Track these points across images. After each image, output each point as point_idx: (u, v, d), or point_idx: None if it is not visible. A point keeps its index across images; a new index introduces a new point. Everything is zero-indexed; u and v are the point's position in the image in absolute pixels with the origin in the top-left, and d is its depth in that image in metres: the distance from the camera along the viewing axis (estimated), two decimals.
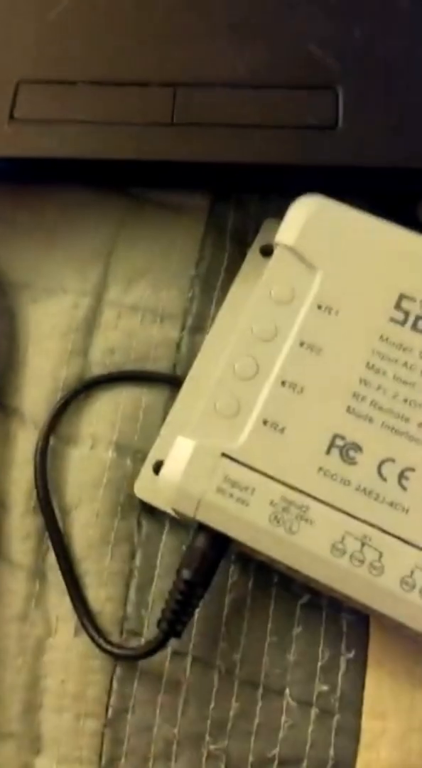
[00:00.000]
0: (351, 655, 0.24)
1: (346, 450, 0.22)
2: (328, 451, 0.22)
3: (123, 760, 0.24)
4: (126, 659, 0.24)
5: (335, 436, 0.22)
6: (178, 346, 0.27)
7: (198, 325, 0.27)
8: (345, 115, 0.26)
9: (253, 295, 0.24)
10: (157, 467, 0.26)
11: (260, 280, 0.24)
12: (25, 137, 0.26)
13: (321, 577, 0.21)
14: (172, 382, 0.27)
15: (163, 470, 0.23)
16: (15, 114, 0.26)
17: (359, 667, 0.24)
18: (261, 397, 0.23)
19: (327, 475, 0.22)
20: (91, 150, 0.26)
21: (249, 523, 0.22)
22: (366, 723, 0.23)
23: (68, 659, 0.24)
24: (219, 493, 0.22)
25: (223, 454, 0.22)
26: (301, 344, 0.23)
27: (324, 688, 0.23)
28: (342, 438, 0.22)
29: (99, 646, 0.24)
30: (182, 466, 0.22)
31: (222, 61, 0.27)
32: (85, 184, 0.29)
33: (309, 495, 0.22)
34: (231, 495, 0.22)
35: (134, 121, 0.26)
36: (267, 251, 0.27)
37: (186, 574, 0.23)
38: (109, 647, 0.24)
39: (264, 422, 0.22)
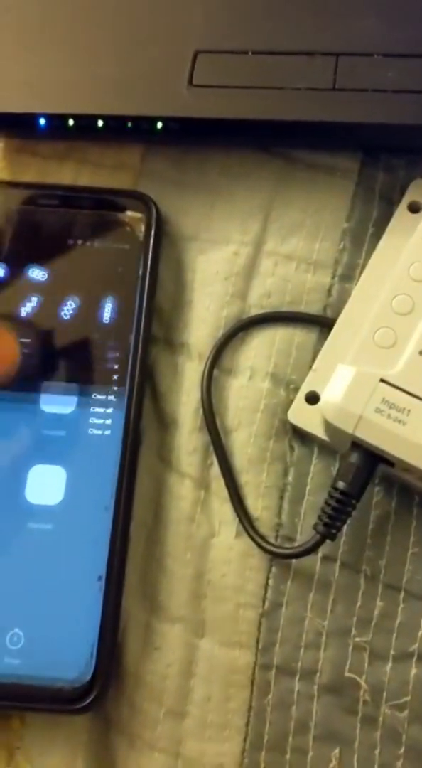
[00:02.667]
0: None
1: None
2: None
3: (277, 646, 0.27)
4: (285, 557, 0.27)
5: None
6: (329, 291, 0.30)
7: (348, 274, 0.30)
8: None
9: (410, 241, 0.26)
10: (309, 397, 0.29)
11: (417, 229, 0.26)
12: (203, 101, 0.29)
13: None
14: (322, 323, 0.30)
15: (326, 392, 0.26)
16: (194, 80, 0.30)
17: None
18: (418, 330, 0.25)
19: None
20: (260, 111, 0.29)
21: (405, 439, 0.24)
22: None
23: (229, 557, 0.28)
24: (377, 413, 0.25)
25: (382, 380, 0.25)
26: None
27: None
28: None
29: (259, 545, 0.27)
30: (344, 389, 0.25)
31: (378, 33, 0.30)
32: (244, 146, 0.32)
33: None
34: (389, 415, 0.25)
35: (299, 87, 0.29)
36: (414, 208, 0.30)
37: (341, 485, 0.26)
38: (269, 547, 0.27)
39: (421, 353, 0.25)
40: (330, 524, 0.26)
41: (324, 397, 0.26)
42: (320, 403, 0.27)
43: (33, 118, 0.30)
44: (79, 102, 0.30)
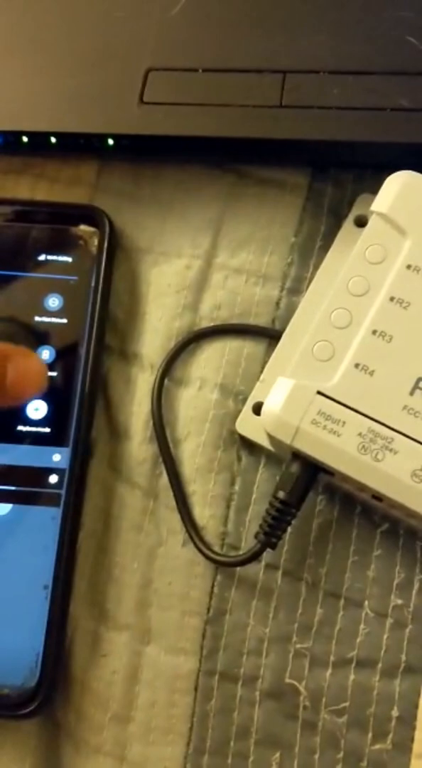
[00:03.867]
0: None
1: None
2: (412, 393, 0.25)
3: (221, 652, 0.27)
4: (227, 566, 0.27)
5: (419, 380, 0.25)
6: (278, 304, 0.31)
7: (295, 287, 0.31)
8: None
9: (350, 256, 0.27)
10: (256, 408, 0.29)
11: (357, 243, 0.27)
12: (153, 118, 0.30)
13: (402, 499, 0.25)
14: (271, 335, 0.30)
15: (266, 404, 0.26)
16: (144, 98, 0.30)
17: None
18: (354, 344, 0.26)
19: (411, 413, 0.25)
20: (209, 129, 0.30)
21: (340, 450, 0.25)
22: None
23: (176, 565, 0.28)
24: (313, 424, 0.25)
25: (319, 392, 0.26)
26: (391, 299, 0.26)
27: (399, 602, 0.27)
28: None
29: (204, 554, 0.28)
30: (282, 401, 0.26)
31: (326, 51, 0.30)
32: (198, 162, 0.33)
33: (393, 429, 0.25)
34: (324, 426, 0.25)
35: (248, 104, 0.30)
36: (361, 222, 0.30)
37: (281, 494, 0.26)
38: (212, 555, 0.27)
39: (356, 365, 0.26)
40: (270, 533, 0.26)
41: (264, 409, 0.27)
42: (261, 414, 0.27)
43: None
44: (32, 119, 0.31)
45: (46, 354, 0.29)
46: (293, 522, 0.26)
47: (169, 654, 0.28)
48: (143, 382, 0.30)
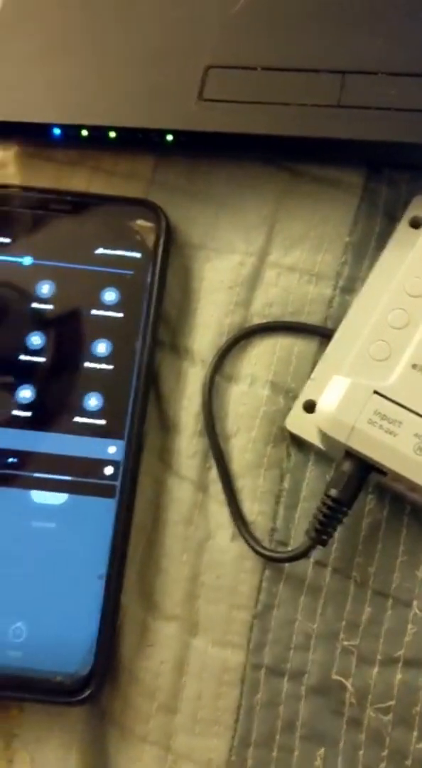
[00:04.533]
0: None
1: None
2: None
3: (268, 647, 0.28)
4: (278, 561, 0.28)
5: None
6: (330, 303, 0.31)
7: (349, 286, 0.31)
8: None
9: (408, 257, 0.27)
10: (307, 406, 0.29)
11: (416, 245, 0.27)
12: (212, 115, 0.30)
13: None
14: (322, 334, 0.31)
15: (321, 402, 0.27)
16: (204, 95, 0.31)
17: None
18: (412, 345, 0.26)
19: None
20: (268, 127, 0.30)
21: (396, 450, 0.25)
22: None
23: (224, 559, 0.29)
24: (370, 424, 0.25)
25: (375, 392, 0.26)
26: None
27: None
28: None
29: (253, 549, 0.28)
30: (338, 399, 0.26)
31: (384, 52, 0.30)
32: (252, 159, 0.33)
33: None
34: (380, 426, 0.25)
35: (306, 103, 0.30)
36: (416, 223, 0.30)
37: (333, 492, 0.26)
38: (263, 550, 0.28)
39: (414, 366, 0.26)
40: (321, 530, 0.26)
41: (319, 407, 0.27)
42: (315, 413, 0.28)
43: (48, 127, 0.31)
44: (93, 113, 0.31)
45: (102, 347, 0.29)
46: (343, 520, 0.27)
47: (216, 646, 0.28)
48: (194, 376, 0.31)
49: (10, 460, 0.28)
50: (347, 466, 0.26)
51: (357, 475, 0.26)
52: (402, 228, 0.31)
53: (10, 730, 0.28)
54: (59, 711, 0.28)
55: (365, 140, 0.29)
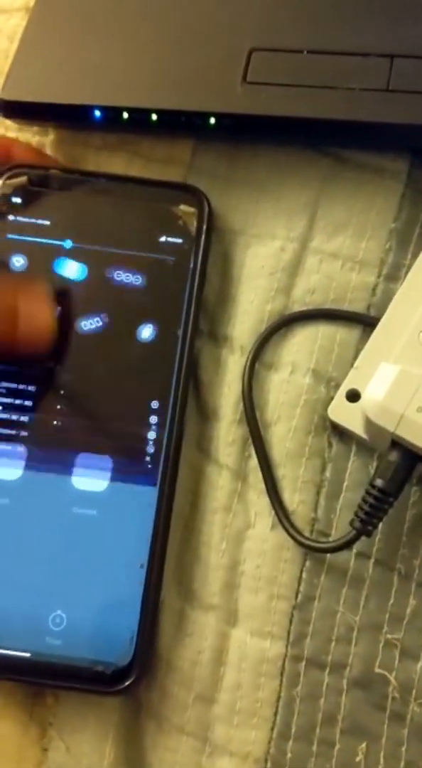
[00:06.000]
0: None
1: None
2: None
3: (308, 638, 0.27)
4: (321, 551, 0.27)
5: None
6: (374, 291, 0.30)
7: (393, 274, 0.30)
8: None
9: None
10: (350, 395, 0.29)
11: None
12: (256, 98, 0.30)
13: None
14: (365, 322, 0.30)
15: (368, 390, 0.26)
16: (248, 78, 0.30)
17: None
18: None
19: None
20: (313, 110, 0.29)
21: None
22: None
23: (264, 549, 0.28)
24: (419, 412, 0.25)
25: None
26: None
27: None
28: None
29: (294, 538, 0.27)
30: (387, 387, 0.25)
31: None
32: (294, 144, 0.32)
33: None
34: None
35: (353, 87, 0.29)
36: None
37: (380, 482, 0.26)
38: (305, 540, 0.27)
39: None
40: (366, 521, 0.26)
41: (366, 395, 0.26)
42: (362, 401, 0.27)
43: (88, 109, 0.31)
44: (134, 95, 0.30)
45: (147, 332, 0.29)
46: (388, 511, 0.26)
47: (255, 637, 0.28)
48: (233, 364, 0.30)
49: (52, 441, 0.28)
50: (393, 455, 0.26)
51: (404, 465, 0.26)
52: None
53: (46, 719, 0.28)
54: (95, 701, 0.28)
55: (413, 125, 0.29)
